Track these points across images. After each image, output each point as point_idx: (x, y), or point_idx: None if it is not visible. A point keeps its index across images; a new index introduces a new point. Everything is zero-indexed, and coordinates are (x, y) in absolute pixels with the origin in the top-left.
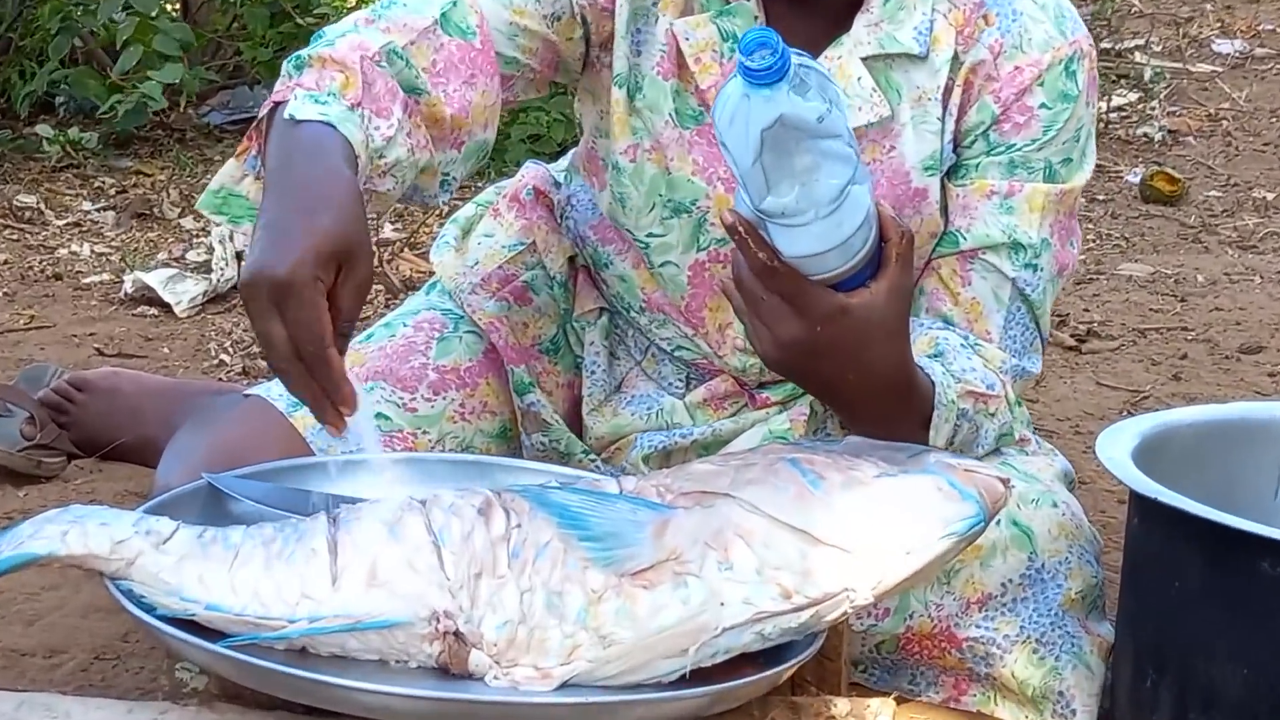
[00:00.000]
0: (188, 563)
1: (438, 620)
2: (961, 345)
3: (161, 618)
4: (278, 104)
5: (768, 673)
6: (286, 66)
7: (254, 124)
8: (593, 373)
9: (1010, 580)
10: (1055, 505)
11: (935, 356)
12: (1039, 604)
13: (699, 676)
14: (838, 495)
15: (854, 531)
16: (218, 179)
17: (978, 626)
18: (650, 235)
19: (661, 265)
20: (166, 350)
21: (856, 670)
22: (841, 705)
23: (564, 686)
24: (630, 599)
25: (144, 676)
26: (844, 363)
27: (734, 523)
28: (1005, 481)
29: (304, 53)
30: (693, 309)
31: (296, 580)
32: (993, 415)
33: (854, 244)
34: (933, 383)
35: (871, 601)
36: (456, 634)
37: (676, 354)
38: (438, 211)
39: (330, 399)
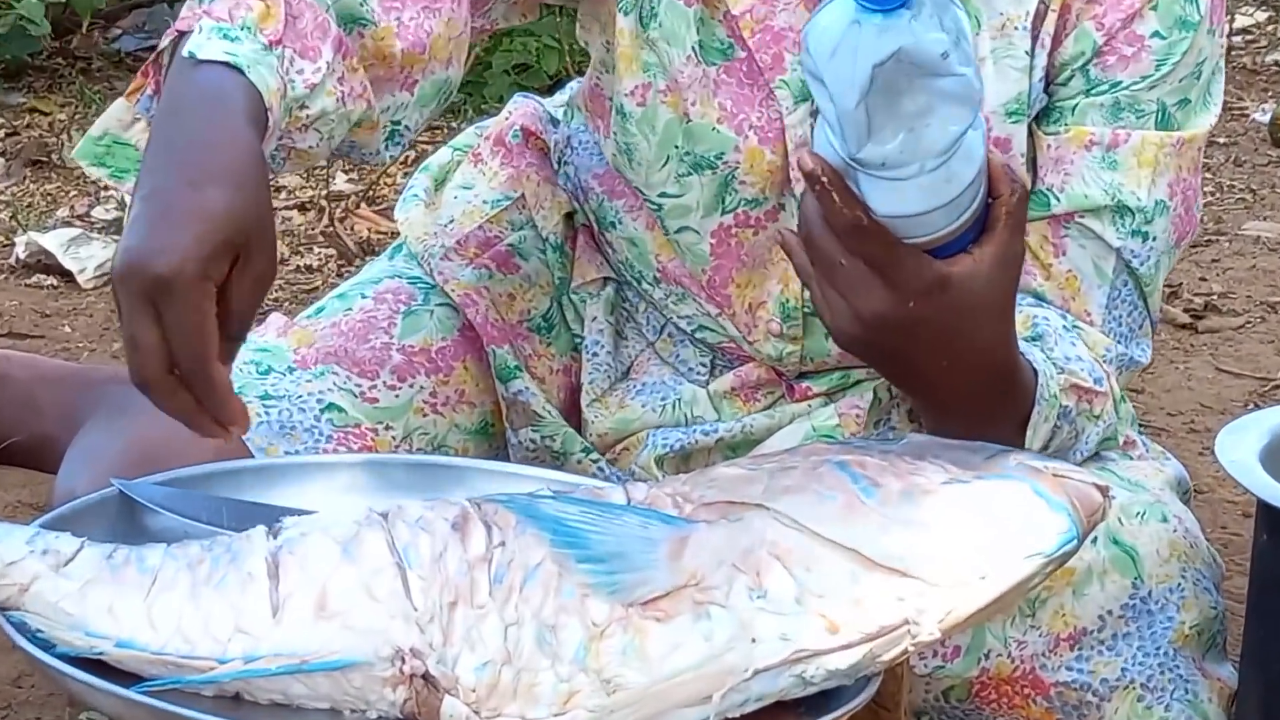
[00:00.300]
0: (94, 589)
1: (403, 660)
2: (1065, 328)
3: (62, 657)
4: (182, 34)
5: None
6: None
7: (152, 57)
8: (595, 355)
9: (1110, 612)
10: (1165, 520)
11: (1034, 340)
12: (1145, 641)
13: None
14: (896, 506)
15: (916, 551)
16: (101, 123)
17: (1069, 669)
18: (664, 195)
19: (678, 232)
20: (68, 329)
21: None
22: None
23: None
24: (640, 634)
25: None
26: (938, 346)
27: (768, 540)
28: (1104, 490)
29: None
30: (716, 284)
31: (229, 611)
32: (1097, 417)
33: (962, 202)
34: (1035, 373)
35: (938, 638)
36: (425, 677)
37: (698, 335)
38: (401, 159)
39: (212, 416)
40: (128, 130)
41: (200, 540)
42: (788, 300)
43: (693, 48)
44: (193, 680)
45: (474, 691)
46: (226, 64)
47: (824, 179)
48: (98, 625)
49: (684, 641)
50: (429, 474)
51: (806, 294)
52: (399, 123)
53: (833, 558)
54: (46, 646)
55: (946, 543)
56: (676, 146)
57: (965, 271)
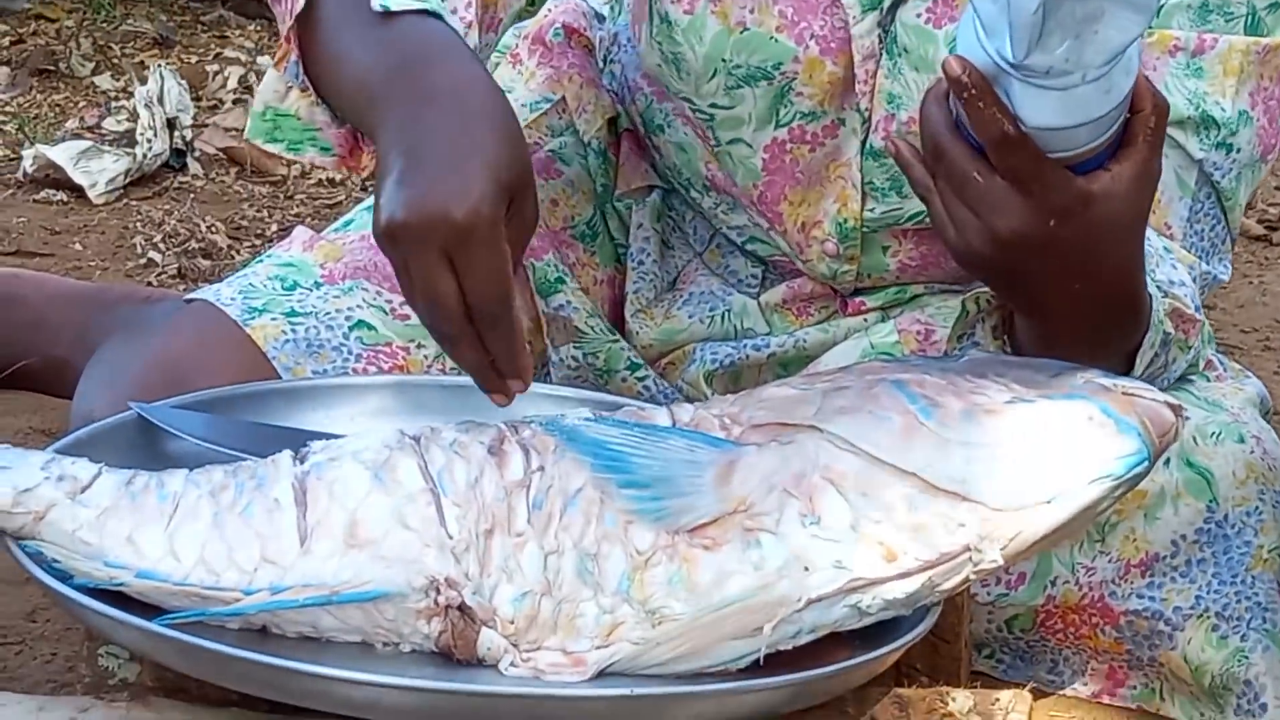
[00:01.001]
0: (113, 517)
1: (437, 590)
2: (1163, 248)
3: (80, 588)
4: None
5: (865, 657)
6: None
7: (289, 25)
8: (640, 263)
9: (1183, 537)
10: (1242, 440)
11: None
12: (1221, 567)
13: (777, 663)
14: (957, 427)
15: (978, 474)
16: (260, 97)
17: (1140, 597)
18: (714, 106)
19: (730, 143)
20: (79, 246)
21: (981, 655)
22: (962, 699)
23: (601, 675)
24: (687, 563)
25: (58, 665)
26: (1073, 267)
27: (821, 464)
28: (1176, 409)
29: None
30: (768, 200)
31: (254, 540)
32: (1189, 347)
33: (1111, 116)
34: (1149, 296)
35: (1001, 565)
36: (462, 608)
37: (748, 247)
38: None
39: (500, 370)
40: (284, 100)
41: (224, 466)
42: (845, 220)
43: None
44: (218, 612)
45: (512, 623)
46: (424, 11)
47: (973, 86)
48: (117, 555)
49: (733, 570)
50: (463, 396)
51: (866, 212)
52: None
53: (890, 482)
54: (63, 577)
55: (1010, 465)
56: (725, 59)
57: (1105, 189)
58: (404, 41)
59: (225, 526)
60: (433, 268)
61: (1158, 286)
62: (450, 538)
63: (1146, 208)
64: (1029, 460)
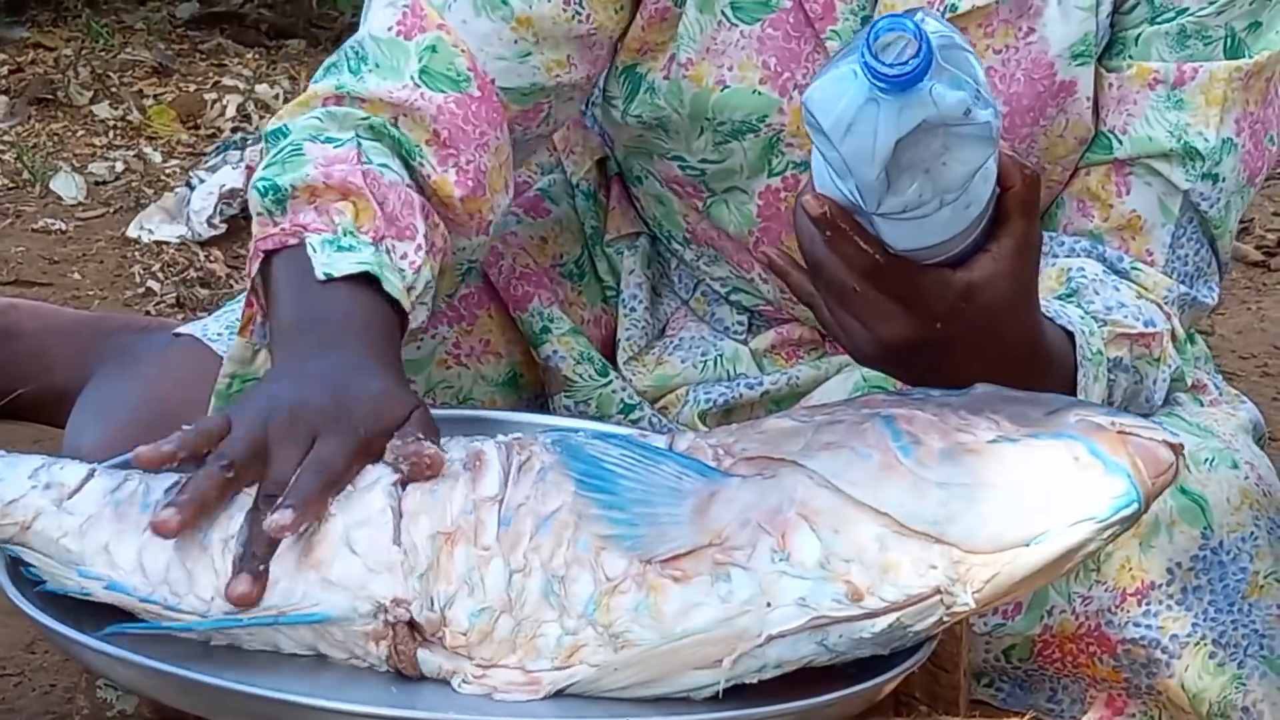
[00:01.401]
0: (95, 526)
1: (385, 611)
2: (1104, 274)
3: (52, 594)
4: (271, 253)
5: (861, 686)
6: (260, 200)
7: (250, 287)
8: (632, 310)
9: (1179, 564)
10: (1236, 466)
11: (1068, 296)
12: (1217, 594)
13: (773, 692)
14: (934, 467)
15: (952, 515)
16: (226, 368)
17: (1137, 625)
18: (705, 161)
19: (726, 191)
20: (78, 275)
21: (980, 684)
22: None
23: (560, 696)
24: (656, 592)
25: (56, 696)
26: (968, 353)
27: (798, 499)
28: (1176, 448)
29: (280, 181)
30: (764, 246)
31: (214, 573)
32: (1158, 360)
33: (982, 214)
34: (1070, 335)
35: (974, 607)
36: (411, 624)
37: (732, 298)
38: None
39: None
40: (251, 365)
41: None
42: None
43: (723, 10)
44: (174, 626)
45: (464, 635)
46: (360, 273)
47: (838, 222)
48: (93, 564)
49: (700, 602)
50: (459, 430)
51: None
52: (475, 260)
53: (862, 520)
54: (39, 582)
55: (986, 506)
56: (709, 118)
57: (987, 274)
58: (328, 311)
59: (188, 553)
60: (299, 446)
61: (1094, 317)
62: (403, 553)
63: (1034, 274)
64: (1007, 502)
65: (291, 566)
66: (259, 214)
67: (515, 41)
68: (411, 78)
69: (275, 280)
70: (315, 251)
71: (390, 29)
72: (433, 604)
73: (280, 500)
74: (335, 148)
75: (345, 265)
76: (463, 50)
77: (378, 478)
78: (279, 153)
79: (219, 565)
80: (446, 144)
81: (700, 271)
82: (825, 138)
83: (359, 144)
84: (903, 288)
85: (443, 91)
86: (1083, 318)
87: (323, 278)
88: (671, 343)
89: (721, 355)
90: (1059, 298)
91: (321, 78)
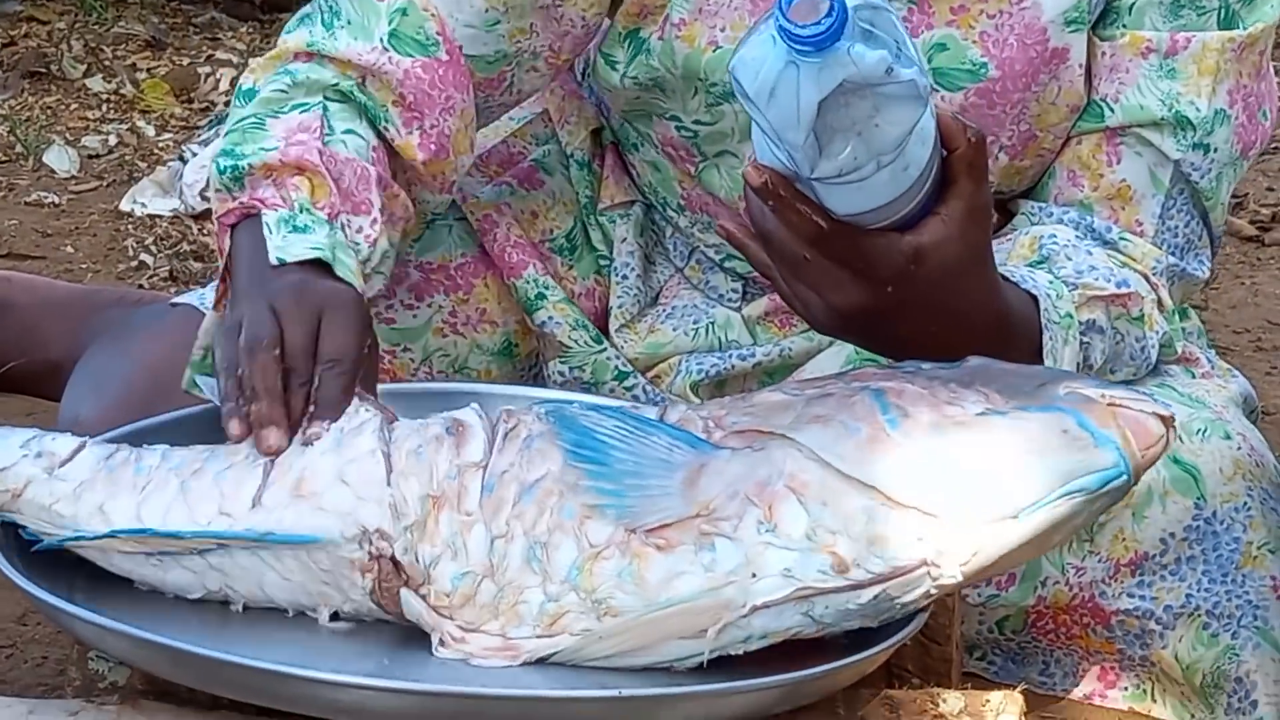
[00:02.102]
0: (89, 490)
1: (369, 541)
2: (1075, 239)
3: (44, 566)
4: (233, 226)
5: (853, 658)
6: (219, 177)
7: (221, 269)
8: (624, 278)
9: (1172, 535)
10: (1228, 437)
11: (1039, 263)
12: (1210, 565)
13: (766, 663)
14: (921, 439)
15: (937, 487)
16: (199, 341)
17: (1130, 596)
18: (698, 123)
19: (718, 155)
20: (71, 249)
21: (972, 656)
22: (953, 700)
23: (540, 664)
24: (639, 559)
25: (48, 668)
26: (925, 317)
27: (786, 472)
28: (1167, 420)
29: (239, 159)
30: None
31: (215, 497)
32: (1138, 319)
33: (924, 176)
34: (1034, 299)
35: (960, 580)
36: (394, 560)
37: (726, 265)
38: None
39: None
40: None
41: (202, 446)
42: None
43: None
44: (162, 532)
45: (447, 597)
46: (314, 259)
47: (780, 192)
48: (88, 524)
49: (684, 571)
50: (455, 403)
51: None
52: (438, 212)
53: (850, 493)
54: (33, 541)
55: (972, 479)
56: (701, 79)
57: (937, 236)
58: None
59: (190, 490)
60: (308, 321)
61: (1064, 281)
62: (392, 497)
63: (986, 236)
64: (993, 474)
65: (286, 499)
66: (218, 190)
67: (486, 10)
68: (381, 40)
69: (236, 256)
70: (271, 233)
71: None
72: (418, 559)
73: (314, 412)
74: (301, 113)
75: (299, 250)
76: (432, 14)
77: (365, 420)
78: (242, 120)
79: (225, 488)
80: (412, 108)
81: (695, 238)
82: (753, 104)
83: (325, 109)
84: (850, 253)
85: (410, 56)
86: (1051, 282)
87: (275, 263)
88: (664, 311)
89: (714, 323)
90: (1030, 265)
91: (295, 28)
